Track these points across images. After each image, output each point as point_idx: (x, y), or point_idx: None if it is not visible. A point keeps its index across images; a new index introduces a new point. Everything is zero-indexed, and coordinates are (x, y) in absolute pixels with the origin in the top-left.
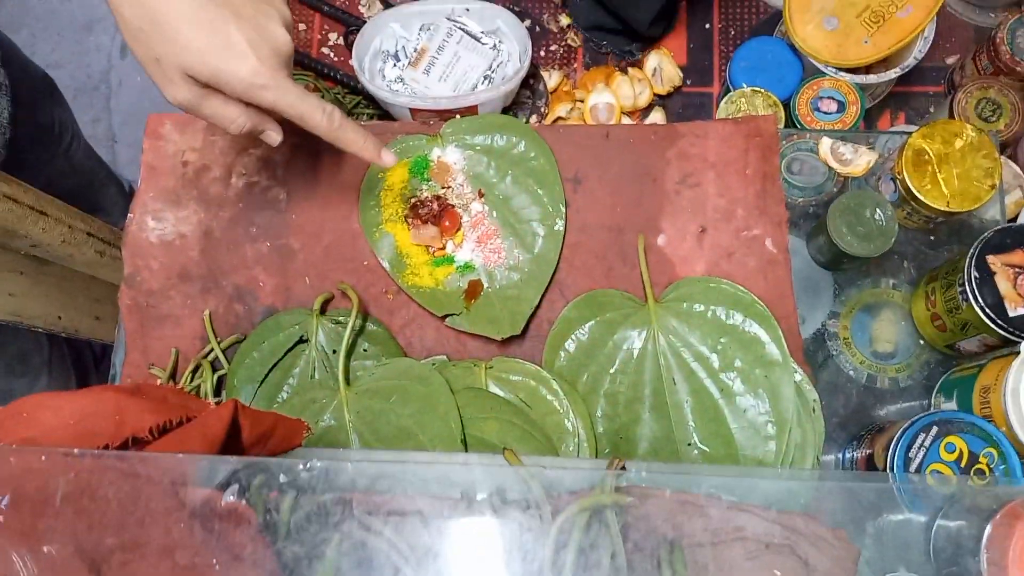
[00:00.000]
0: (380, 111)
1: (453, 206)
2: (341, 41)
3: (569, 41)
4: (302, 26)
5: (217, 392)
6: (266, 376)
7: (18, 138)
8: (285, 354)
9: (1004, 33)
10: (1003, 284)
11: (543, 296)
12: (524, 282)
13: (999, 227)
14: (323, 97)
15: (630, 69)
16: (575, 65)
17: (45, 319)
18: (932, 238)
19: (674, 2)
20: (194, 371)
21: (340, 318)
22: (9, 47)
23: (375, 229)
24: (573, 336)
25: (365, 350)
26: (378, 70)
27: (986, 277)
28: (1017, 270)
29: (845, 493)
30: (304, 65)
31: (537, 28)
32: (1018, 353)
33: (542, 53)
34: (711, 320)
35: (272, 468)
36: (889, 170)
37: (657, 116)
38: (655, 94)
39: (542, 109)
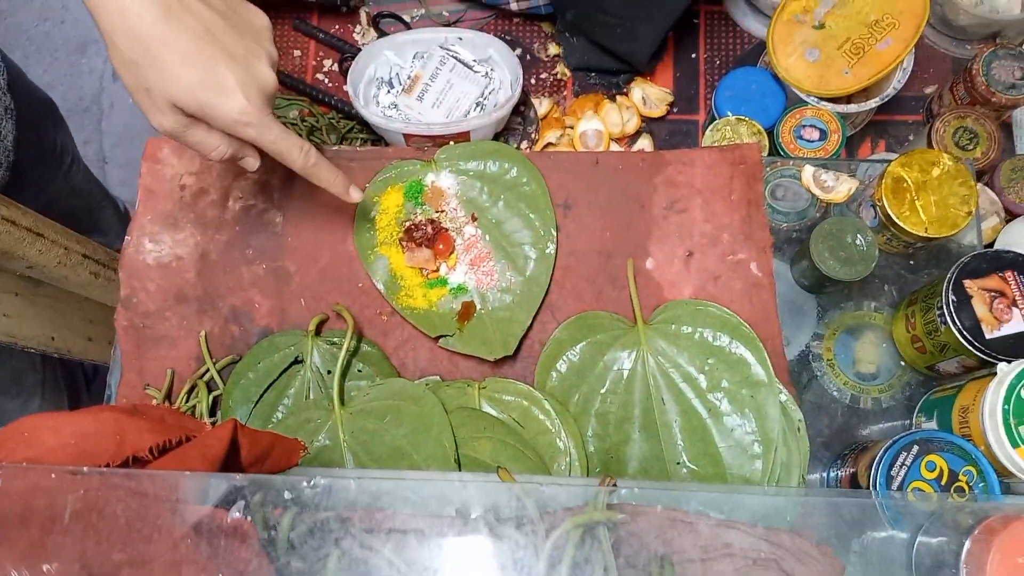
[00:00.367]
0: (374, 136)
1: (447, 229)
2: (336, 68)
3: (559, 75)
4: (297, 52)
5: (212, 412)
6: (261, 396)
7: (21, 160)
8: (280, 375)
9: (980, 65)
10: (980, 307)
11: (535, 318)
12: (516, 304)
13: (976, 252)
14: (318, 122)
15: (618, 97)
16: (565, 92)
17: (39, 340)
18: (912, 263)
19: (666, 35)
20: (190, 391)
21: (335, 339)
22: (15, 71)
23: (370, 252)
24: (564, 357)
25: (360, 371)
26: (372, 96)
27: (963, 301)
28: (993, 294)
29: (830, 510)
30: (299, 91)
31: (528, 57)
32: (995, 374)
33: (533, 81)
34: (699, 342)
35: (276, 485)
36: (869, 197)
37: (645, 143)
38: (649, 118)
39: (532, 135)
